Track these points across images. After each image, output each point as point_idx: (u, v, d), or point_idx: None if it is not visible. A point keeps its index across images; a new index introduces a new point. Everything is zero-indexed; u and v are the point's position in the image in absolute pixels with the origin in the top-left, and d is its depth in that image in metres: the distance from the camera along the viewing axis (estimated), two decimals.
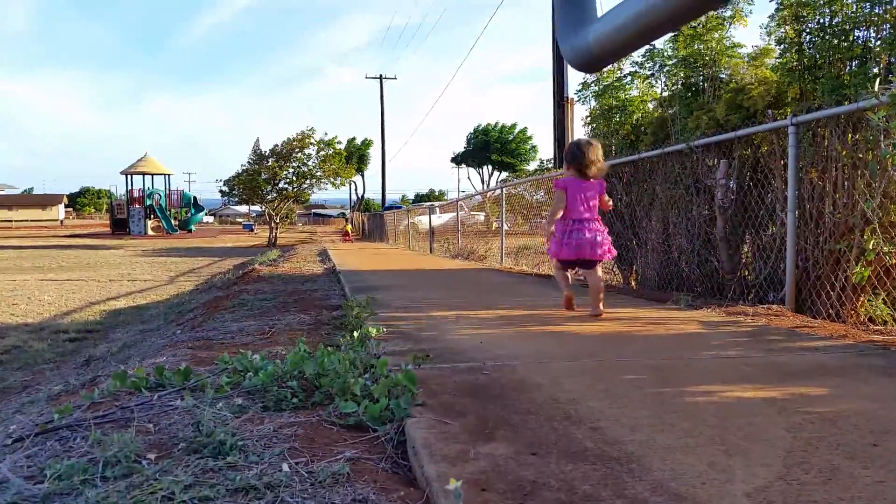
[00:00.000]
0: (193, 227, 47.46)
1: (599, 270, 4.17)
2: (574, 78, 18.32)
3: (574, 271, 4.60)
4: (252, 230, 49.11)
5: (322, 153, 32.06)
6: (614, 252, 4.39)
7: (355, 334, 2.84)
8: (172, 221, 45.74)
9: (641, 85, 7.07)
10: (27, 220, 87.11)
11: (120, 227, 43.88)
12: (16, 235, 45.49)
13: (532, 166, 60.27)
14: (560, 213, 4.13)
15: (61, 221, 78.24)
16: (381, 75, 56.67)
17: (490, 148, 60.18)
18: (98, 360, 4.41)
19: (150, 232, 43.23)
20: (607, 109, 7.46)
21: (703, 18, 6.41)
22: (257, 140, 35.74)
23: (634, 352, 2.92)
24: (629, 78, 7.21)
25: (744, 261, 5.25)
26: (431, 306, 4.28)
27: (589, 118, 7.83)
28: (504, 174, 62.86)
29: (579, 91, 7.56)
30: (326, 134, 32.21)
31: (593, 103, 7.49)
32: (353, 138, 72.48)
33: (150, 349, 3.52)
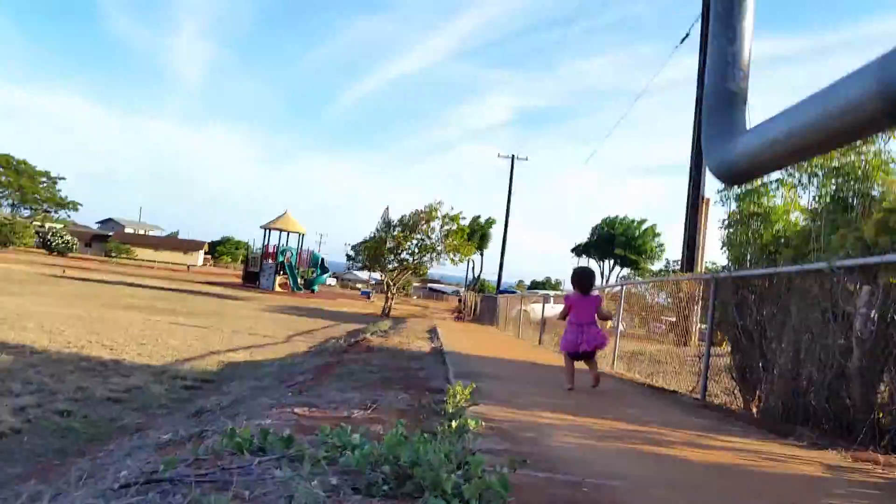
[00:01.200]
0: (317, 288, 49.46)
1: (596, 361, 5.73)
2: (712, 177, 17.80)
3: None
4: (369, 297, 50.57)
5: (446, 227, 32.77)
6: (607, 341, 5.94)
7: (454, 424, 2.82)
8: (299, 280, 47.91)
9: (787, 193, 6.77)
10: (169, 262, 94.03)
11: (251, 279, 46.47)
12: (156, 276, 49.15)
13: (657, 266, 58.71)
14: (567, 318, 5.69)
15: (188, 267, 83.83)
16: (513, 155, 57.67)
17: (615, 242, 59.27)
18: (208, 412, 4.62)
19: (277, 288, 45.44)
20: (747, 216, 7.18)
21: None
22: (387, 209, 37.13)
23: (745, 489, 2.70)
24: (774, 184, 6.95)
25: (880, 401, 4.80)
26: (536, 405, 4.18)
27: (727, 222, 7.56)
28: (626, 270, 61.56)
29: (721, 191, 7.35)
30: (452, 209, 32.91)
31: (733, 206, 7.24)
32: (478, 216, 73.77)
33: (258, 407, 3.65)
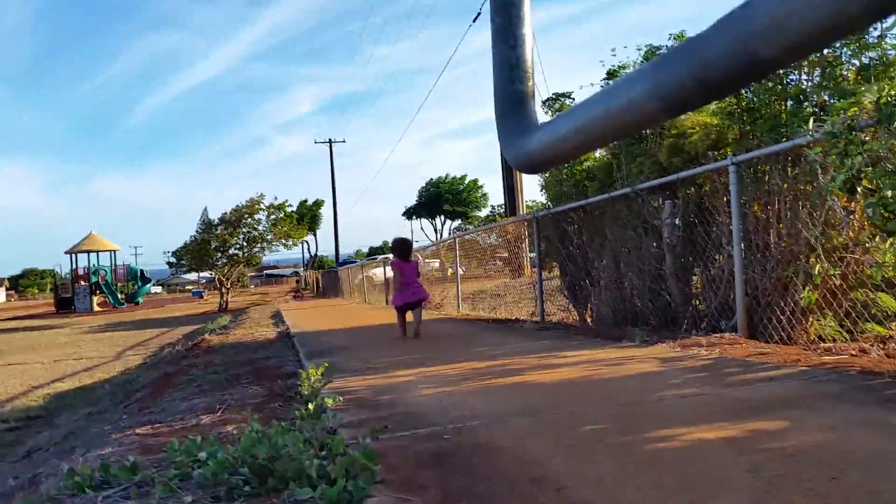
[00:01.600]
0: (141, 300, 46.22)
1: (421, 311, 6.61)
2: None
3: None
4: (202, 297, 48.12)
5: (273, 217, 31.83)
6: (428, 296, 6.97)
7: (310, 406, 2.74)
8: (119, 295, 44.50)
9: None
10: None
11: (65, 305, 42.47)
12: None
13: (484, 212, 60.97)
14: (396, 280, 6.67)
15: None
16: (329, 139, 57.15)
17: (442, 199, 60.86)
18: (40, 450, 4.17)
19: (96, 308, 41.89)
20: None
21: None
22: (205, 209, 35.30)
23: (595, 400, 2.88)
24: None
25: (695, 291, 5.33)
26: (390, 366, 4.18)
27: (544, 178, 8.01)
28: (457, 222, 63.38)
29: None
30: (276, 198, 32.02)
31: None
32: (305, 200, 72.28)
33: (95, 437, 3.34)
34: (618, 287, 6.24)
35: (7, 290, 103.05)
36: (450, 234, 64.57)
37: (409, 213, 65.79)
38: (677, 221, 5.15)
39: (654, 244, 5.55)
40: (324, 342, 6.26)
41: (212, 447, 2.13)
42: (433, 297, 12.55)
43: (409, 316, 6.52)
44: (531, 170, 0.90)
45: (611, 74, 7.49)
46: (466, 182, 62.54)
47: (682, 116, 5.80)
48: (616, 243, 6.21)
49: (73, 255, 45.67)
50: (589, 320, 7.14)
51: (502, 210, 57.24)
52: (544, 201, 8.07)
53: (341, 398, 2.94)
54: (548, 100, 8.55)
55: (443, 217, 63.53)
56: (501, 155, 18.66)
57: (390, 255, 32.40)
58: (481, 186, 63.03)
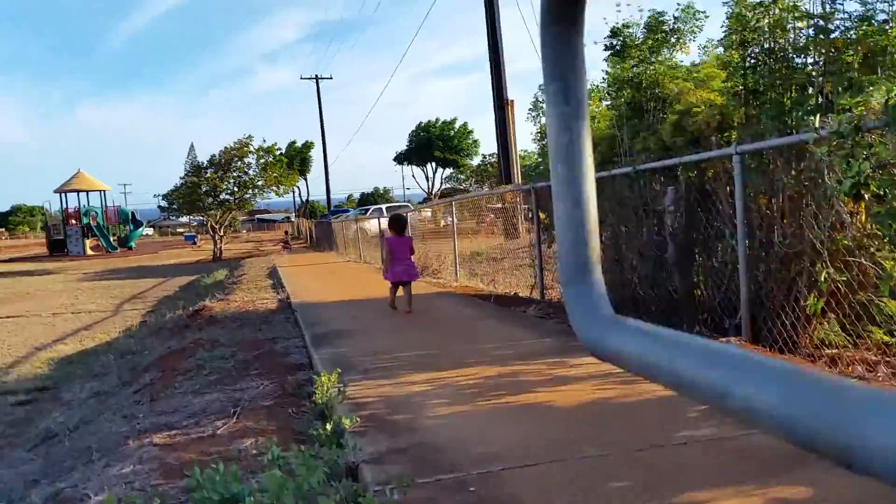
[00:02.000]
0: (133, 244, 46.14)
1: (411, 287, 6.86)
2: (512, 78, 18.46)
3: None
4: (195, 242, 48.07)
5: (262, 161, 31.52)
6: (418, 275, 7.18)
7: (328, 427, 2.79)
8: (111, 239, 44.37)
9: (593, 103, 7.15)
10: None
11: (58, 247, 42.35)
12: None
13: (475, 161, 60.57)
14: (389, 257, 6.92)
15: None
16: (316, 75, 55.91)
17: (433, 145, 60.15)
18: (55, 438, 4.23)
19: (89, 252, 41.82)
20: None
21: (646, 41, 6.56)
22: (192, 146, 34.99)
23: (614, 439, 2.75)
24: None
25: (697, 283, 5.36)
26: (400, 366, 4.19)
27: (539, 135, 7.92)
28: (448, 170, 63.01)
29: (531, 111, 7.66)
30: (265, 141, 31.63)
31: (543, 121, 7.53)
32: (294, 141, 71.47)
33: (111, 440, 3.38)
34: (619, 269, 6.28)
35: None
36: (441, 182, 64.28)
37: (400, 159, 65.25)
38: (680, 208, 5.14)
39: (656, 229, 5.55)
40: (327, 321, 6.26)
41: (237, 485, 2.17)
42: (430, 261, 12.59)
43: (401, 290, 6.90)
44: (603, 359, 0.90)
45: (614, 33, 7.32)
46: (457, 127, 61.86)
47: (686, 90, 5.72)
48: (616, 222, 6.22)
49: (63, 195, 45.27)
50: None
51: (494, 159, 56.86)
52: (537, 152, 8.04)
53: (359, 419, 2.97)
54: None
55: (434, 164, 63.06)
56: (494, 104, 18.40)
57: (383, 207, 32.50)
58: (472, 132, 62.41)
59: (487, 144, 65.92)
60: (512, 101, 17.37)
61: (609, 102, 6.63)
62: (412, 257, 7.03)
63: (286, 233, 43.20)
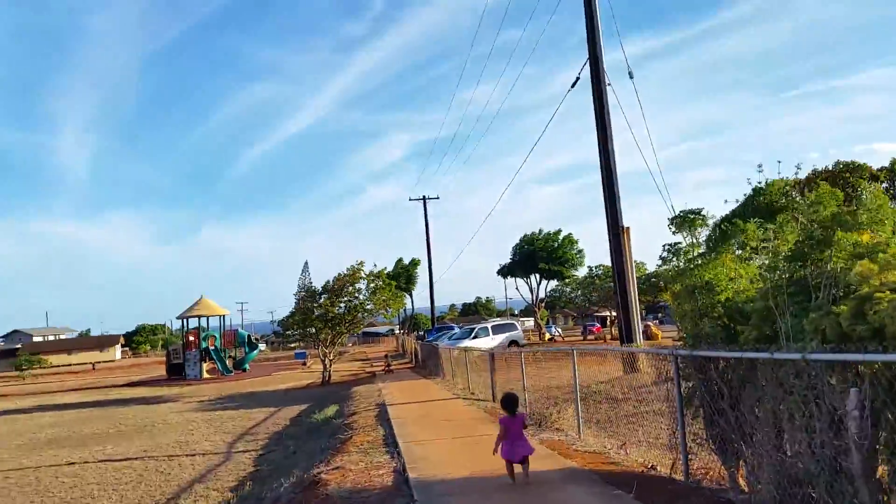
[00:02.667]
0: (248, 367, 47.53)
1: (527, 464, 6.97)
2: (627, 205, 17.99)
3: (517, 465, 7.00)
4: (305, 363, 48.97)
5: (372, 285, 32.22)
6: (533, 451, 7.17)
7: None
8: (227, 362, 45.93)
9: (729, 264, 6.56)
10: (85, 363, 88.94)
11: (176, 371, 44.19)
12: (76, 388, 46.09)
13: (581, 272, 59.63)
14: (504, 436, 7.04)
15: (93, 366, 79.72)
16: (424, 197, 57.92)
17: (536, 257, 59.91)
18: None
19: (205, 375, 43.35)
20: (691, 289, 6.92)
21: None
22: (306, 264, 36.23)
23: None
24: (713, 255, 6.78)
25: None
26: None
27: (674, 300, 7.33)
28: (553, 282, 62.34)
29: (659, 266, 7.16)
30: (375, 266, 32.58)
31: (677, 286, 7.01)
32: (401, 259, 73.46)
33: None
34: (779, 461, 5.45)
35: (122, 346, 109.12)
36: (546, 295, 63.50)
37: (504, 272, 65.28)
38: (866, 413, 4.36)
39: (832, 430, 4.75)
40: None
41: None
42: (545, 406, 11.87)
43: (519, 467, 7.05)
44: None
45: (757, 193, 6.75)
46: (561, 238, 61.47)
47: (868, 272, 5.00)
48: (778, 409, 5.45)
49: (184, 320, 47.72)
50: (742, 482, 6.33)
51: (599, 272, 55.85)
52: (683, 336, 7.27)
53: None
54: (675, 218, 7.88)
55: (538, 276, 62.51)
56: (609, 230, 17.89)
57: (489, 326, 32.36)
58: (576, 241, 61.79)
59: (593, 255, 65.22)
60: (627, 227, 16.89)
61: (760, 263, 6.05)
62: (523, 426, 7.23)
63: (386, 356, 43.42)
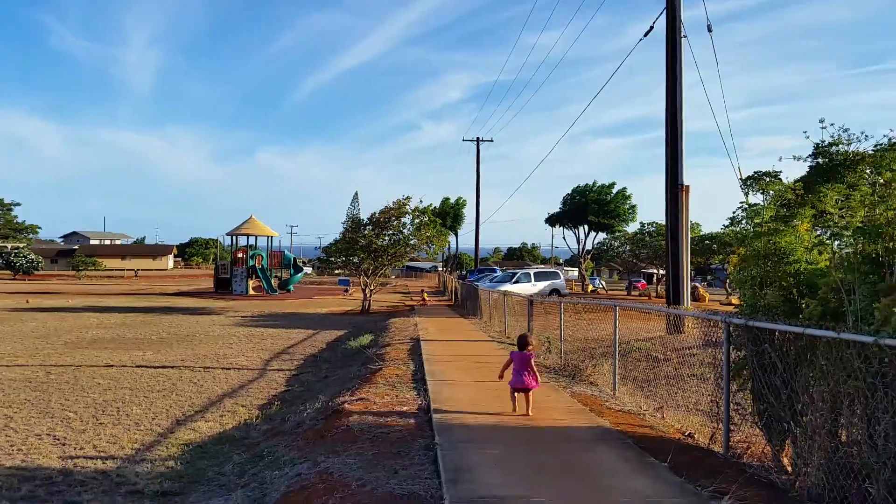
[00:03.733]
0: (292, 288, 48.31)
1: (531, 395, 7.76)
2: (705, 153, 17.13)
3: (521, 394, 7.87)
4: (347, 290, 49.54)
5: (417, 221, 31.96)
6: (536, 386, 7.91)
7: None
8: (273, 281, 46.76)
9: (803, 233, 5.98)
10: (138, 269, 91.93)
11: (223, 286, 45.25)
12: (126, 292, 47.62)
13: (632, 228, 58.27)
14: (511, 366, 7.96)
15: (135, 272, 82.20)
16: (477, 138, 56.94)
17: (587, 209, 58.68)
18: None
19: (251, 292, 44.26)
20: (760, 254, 6.37)
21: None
22: (356, 195, 36.25)
23: None
24: (788, 222, 6.21)
25: None
26: None
27: (738, 263, 6.79)
28: (602, 235, 61.20)
29: (726, 227, 6.63)
30: (421, 201, 32.14)
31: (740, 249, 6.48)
32: (448, 198, 72.98)
33: None
34: (833, 448, 5.01)
35: (175, 256, 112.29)
36: (593, 247, 62.47)
37: (552, 221, 64.29)
38: None
39: None
40: (477, 471, 5.35)
41: None
42: (580, 359, 11.52)
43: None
44: None
45: (818, 151, 6.07)
46: (615, 192, 59.92)
47: None
48: (837, 392, 4.98)
49: (234, 237, 48.58)
50: (786, 462, 5.92)
51: (651, 228, 54.44)
52: (738, 302, 6.77)
53: None
54: (749, 179, 7.26)
55: (586, 227, 61.36)
56: (668, 186, 17.08)
57: (531, 272, 32.14)
58: (629, 197, 60.14)
59: (644, 212, 63.39)
60: (687, 185, 16.09)
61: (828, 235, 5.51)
62: (532, 366, 7.93)
63: (422, 291, 43.80)
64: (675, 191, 16.09)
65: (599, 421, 7.28)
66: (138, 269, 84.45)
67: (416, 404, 8.21)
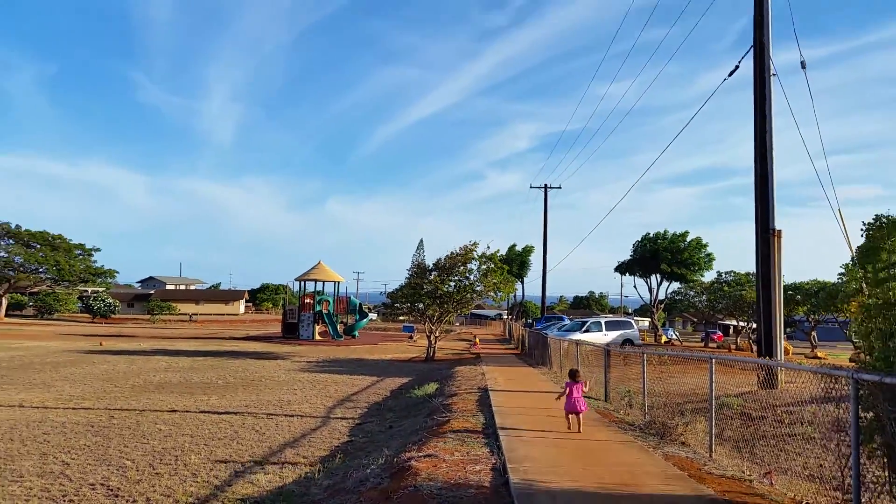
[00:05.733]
0: (357, 333, 48.19)
1: (581, 417, 9.90)
2: (786, 203, 16.02)
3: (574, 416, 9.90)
4: (411, 337, 49.07)
5: (484, 267, 31.35)
6: (586, 409, 10.08)
7: None
8: (339, 327, 46.76)
9: None
10: (211, 314, 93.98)
11: (290, 330, 45.52)
12: (197, 336, 48.40)
13: (708, 276, 56.03)
14: (566, 393, 10.08)
15: (190, 317, 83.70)
16: (545, 184, 56.39)
17: (659, 257, 56.77)
18: None
19: (317, 337, 44.31)
20: (889, 304, 5.50)
21: None
22: (420, 241, 36.21)
23: None
24: None
25: None
26: None
27: (862, 314, 5.95)
28: (675, 284, 59.06)
29: (841, 274, 5.79)
30: (489, 247, 31.55)
31: (864, 292, 5.62)
32: (514, 245, 72.12)
33: None
34: None
35: (246, 302, 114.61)
36: (666, 296, 60.35)
37: (622, 269, 62.48)
38: None
39: None
40: None
41: None
42: (669, 416, 10.50)
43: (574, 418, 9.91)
44: None
45: None
46: (689, 241, 57.85)
47: None
48: None
49: (302, 283, 49.00)
50: None
51: (730, 277, 52.19)
52: (864, 358, 5.84)
53: None
54: (874, 224, 6.37)
55: (658, 276, 59.29)
56: (758, 231, 15.97)
57: (602, 321, 31.04)
58: (705, 245, 57.92)
59: (724, 260, 61.05)
60: (779, 231, 14.98)
61: None
62: (585, 390, 10.13)
63: (474, 336, 43.45)
64: (767, 236, 14.99)
65: (703, 490, 6.35)
66: (192, 314, 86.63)
67: (490, 463, 7.44)
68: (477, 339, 40.57)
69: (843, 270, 26.59)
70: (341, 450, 10.77)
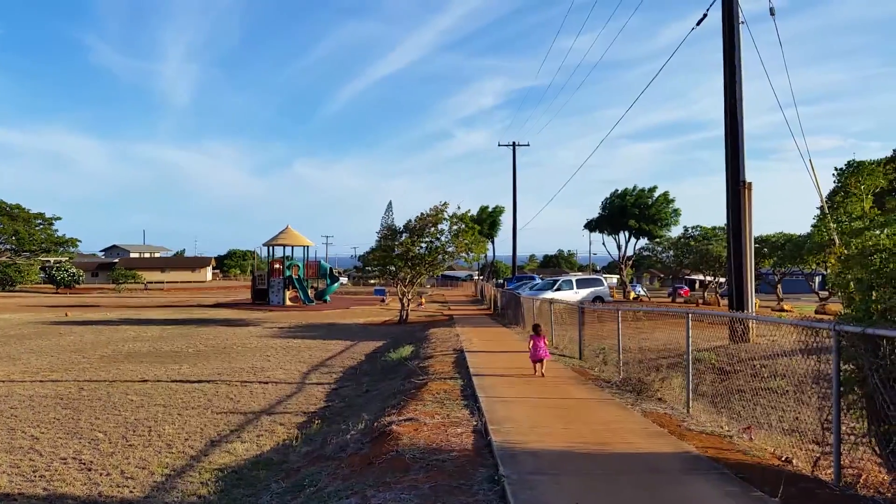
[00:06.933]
0: (328, 298, 47.94)
1: (544, 364, 11.59)
2: (751, 157, 16.04)
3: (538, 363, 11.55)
4: (384, 300, 48.96)
5: (455, 227, 31.20)
6: (548, 357, 11.82)
7: None
8: (309, 292, 46.44)
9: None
10: (177, 282, 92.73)
11: (260, 296, 45.09)
12: (164, 304, 47.69)
13: (675, 231, 56.64)
14: (532, 345, 11.65)
15: (145, 285, 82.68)
16: (514, 143, 56.13)
17: (627, 213, 57.19)
18: None
19: (288, 302, 43.96)
20: (867, 252, 5.48)
21: None
22: (390, 204, 35.81)
23: None
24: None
25: None
26: None
27: (839, 265, 5.94)
28: (643, 241, 59.64)
29: (815, 225, 5.78)
30: (459, 207, 31.35)
31: (840, 244, 5.61)
32: (486, 206, 72.09)
33: None
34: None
35: (213, 268, 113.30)
36: (634, 253, 60.96)
37: (591, 226, 62.88)
38: None
39: None
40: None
41: None
42: (645, 371, 10.57)
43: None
44: None
45: None
46: (656, 196, 58.27)
47: None
48: None
49: (271, 248, 48.43)
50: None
51: (696, 232, 52.79)
52: (844, 308, 5.88)
53: None
54: (848, 168, 6.31)
55: (626, 233, 59.81)
56: (728, 183, 16.03)
57: (573, 279, 31.35)
58: (672, 200, 58.43)
59: (690, 215, 61.76)
60: (749, 182, 15.04)
61: None
62: (545, 344, 11.73)
63: (421, 295, 43.95)
64: (738, 188, 15.05)
65: (684, 446, 6.37)
66: (147, 283, 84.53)
67: (471, 425, 7.39)
68: (423, 299, 40.57)
69: (815, 222, 26.99)
70: (318, 415, 10.66)
